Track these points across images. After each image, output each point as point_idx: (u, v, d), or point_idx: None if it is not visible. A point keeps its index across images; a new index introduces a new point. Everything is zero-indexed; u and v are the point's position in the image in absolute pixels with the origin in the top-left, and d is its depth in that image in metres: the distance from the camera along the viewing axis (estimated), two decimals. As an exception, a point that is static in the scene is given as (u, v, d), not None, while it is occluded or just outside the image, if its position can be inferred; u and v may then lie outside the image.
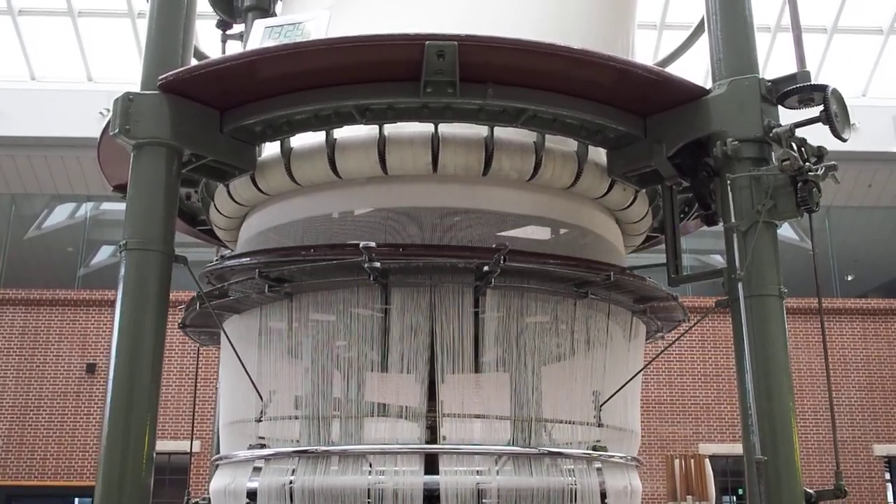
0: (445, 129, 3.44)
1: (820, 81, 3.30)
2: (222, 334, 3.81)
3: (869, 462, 18.96)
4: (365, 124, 3.37)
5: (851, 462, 18.59)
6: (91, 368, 18.28)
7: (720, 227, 3.39)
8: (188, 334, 4.32)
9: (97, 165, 4.13)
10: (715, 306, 3.39)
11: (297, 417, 3.49)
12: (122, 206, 3.36)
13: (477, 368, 3.52)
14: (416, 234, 3.62)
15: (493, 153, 3.47)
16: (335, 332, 3.46)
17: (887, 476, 19.59)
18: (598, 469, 3.50)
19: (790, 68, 3.45)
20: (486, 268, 3.25)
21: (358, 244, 3.22)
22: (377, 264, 3.21)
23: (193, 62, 3.57)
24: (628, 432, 3.81)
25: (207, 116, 3.39)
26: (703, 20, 3.88)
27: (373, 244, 3.19)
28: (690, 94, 3.37)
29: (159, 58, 3.46)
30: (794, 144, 3.18)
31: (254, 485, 3.36)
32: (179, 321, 4.07)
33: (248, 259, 3.58)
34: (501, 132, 3.47)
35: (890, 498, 19.59)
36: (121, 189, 3.84)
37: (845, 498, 3.19)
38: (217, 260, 3.97)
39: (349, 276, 3.33)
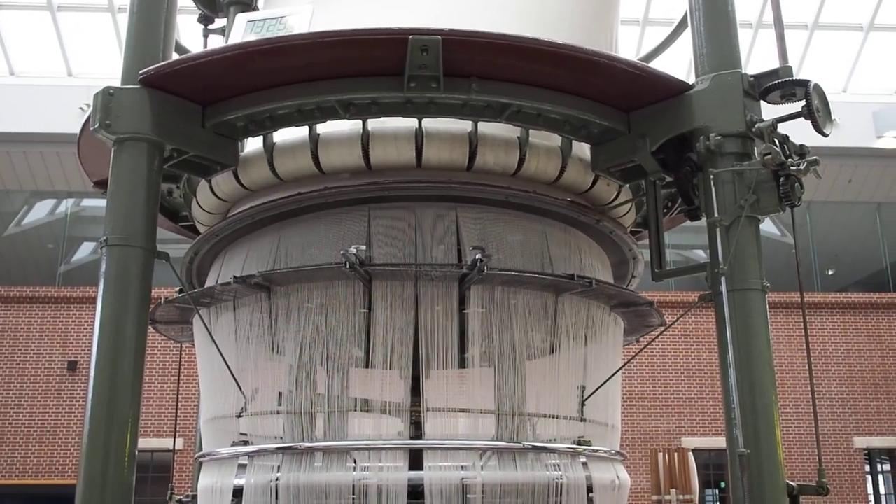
0: (429, 123, 3.44)
1: (801, 77, 3.32)
2: (197, 329, 3.79)
3: (849, 454, 19.12)
4: (348, 119, 3.36)
5: (832, 454, 18.75)
6: (72, 366, 18.16)
7: (703, 221, 3.40)
8: (158, 330, 4.27)
9: (77, 161, 4.10)
10: (698, 300, 3.40)
11: (279, 413, 3.48)
12: (102, 202, 3.33)
13: (462, 364, 3.52)
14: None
15: (478, 148, 3.46)
16: (318, 328, 3.45)
17: (867, 468, 19.78)
18: (584, 463, 3.51)
19: (772, 64, 3.46)
20: (471, 264, 3.25)
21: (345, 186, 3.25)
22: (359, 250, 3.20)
23: (175, 57, 3.54)
24: (610, 427, 3.82)
25: (189, 111, 3.36)
26: (685, 16, 3.89)
27: (362, 247, 3.19)
28: (674, 90, 3.38)
29: (140, 52, 3.43)
30: (776, 139, 3.20)
31: (240, 482, 3.34)
32: (150, 318, 4.04)
33: (246, 209, 3.56)
34: (485, 127, 3.47)
35: (870, 489, 19.79)
36: (102, 185, 3.81)
37: (827, 495, 3.21)
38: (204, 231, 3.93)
39: (332, 266, 3.32)
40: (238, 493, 3.33)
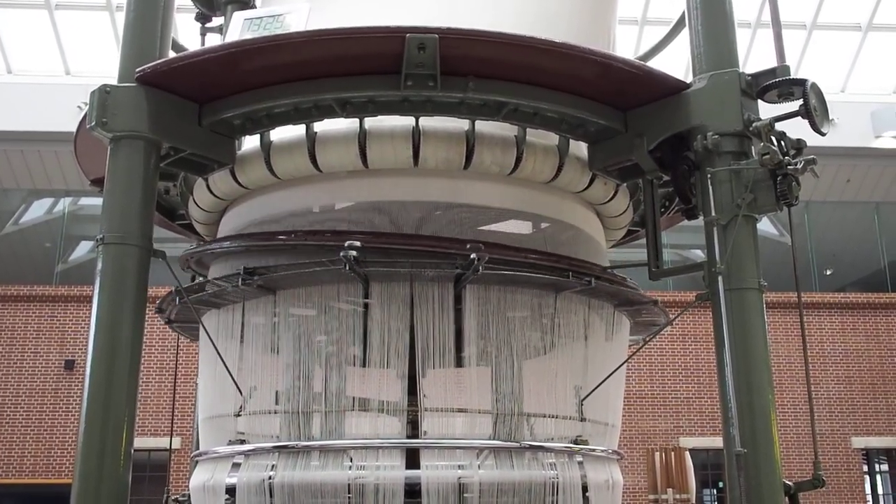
0: (426, 122, 3.43)
1: (799, 76, 3.31)
2: (201, 329, 3.79)
3: (847, 454, 19.13)
4: (345, 118, 3.35)
5: (830, 454, 18.75)
6: (70, 365, 18.12)
7: (700, 221, 3.40)
8: (176, 329, 4.27)
9: (75, 160, 4.09)
10: (695, 300, 3.40)
11: (276, 412, 3.48)
12: (100, 201, 3.33)
13: (458, 363, 3.52)
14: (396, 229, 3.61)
15: (475, 147, 3.46)
16: (316, 327, 3.44)
17: (865, 468, 19.79)
18: (580, 463, 3.51)
19: (770, 64, 3.46)
20: (462, 267, 3.24)
21: (337, 231, 3.20)
22: (355, 250, 3.18)
23: (172, 55, 3.53)
24: (610, 426, 3.82)
25: (186, 109, 3.36)
26: (683, 15, 3.89)
27: (356, 244, 3.18)
28: (671, 88, 3.38)
29: (137, 50, 3.43)
30: (773, 138, 3.20)
31: (233, 480, 3.34)
32: (165, 316, 4.04)
33: (230, 243, 3.55)
34: (482, 126, 3.46)
35: (868, 489, 19.80)
36: (98, 183, 3.80)
37: (823, 488, 3.21)
38: (197, 244, 3.92)
39: (328, 264, 3.31)
40: (231, 491, 3.32)
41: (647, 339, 4.29)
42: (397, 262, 3.34)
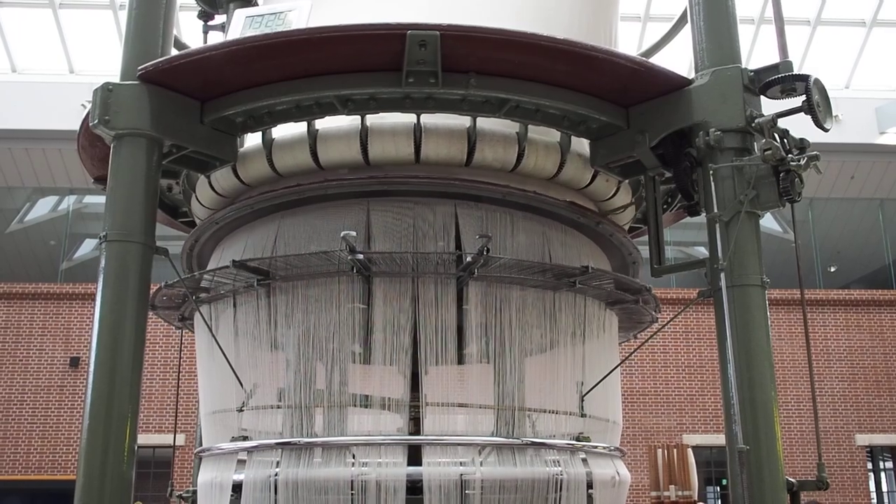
0: (428, 119, 3.43)
1: (803, 72, 3.30)
2: (197, 324, 3.80)
3: (851, 452, 19.10)
4: (347, 115, 3.35)
5: (834, 452, 18.73)
6: (74, 362, 18.17)
7: (703, 217, 3.39)
8: (188, 328, 4.27)
9: (79, 158, 4.10)
10: (697, 296, 3.39)
11: (279, 408, 3.48)
12: (104, 198, 3.33)
13: (460, 360, 3.51)
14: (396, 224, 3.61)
15: (476, 143, 3.46)
16: (318, 324, 3.44)
17: (869, 465, 19.76)
18: (584, 459, 3.51)
19: (774, 60, 3.45)
20: (478, 252, 3.24)
21: (336, 179, 3.27)
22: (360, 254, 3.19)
23: (174, 53, 3.54)
24: (611, 423, 3.82)
25: (188, 107, 3.36)
26: (685, 11, 3.88)
27: (352, 233, 3.18)
28: (673, 85, 3.37)
29: (140, 48, 3.43)
30: (776, 134, 3.19)
31: (239, 478, 3.35)
32: (179, 314, 4.05)
33: (245, 200, 3.56)
34: (484, 122, 3.46)
35: (872, 487, 19.77)
36: (102, 181, 3.81)
37: (827, 490, 3.21)
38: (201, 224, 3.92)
39: (329, 260, 3.32)
40: (237, 488, 3.33)
41: (651, 334, 4.28)
42: (401, 252, 3.35)
